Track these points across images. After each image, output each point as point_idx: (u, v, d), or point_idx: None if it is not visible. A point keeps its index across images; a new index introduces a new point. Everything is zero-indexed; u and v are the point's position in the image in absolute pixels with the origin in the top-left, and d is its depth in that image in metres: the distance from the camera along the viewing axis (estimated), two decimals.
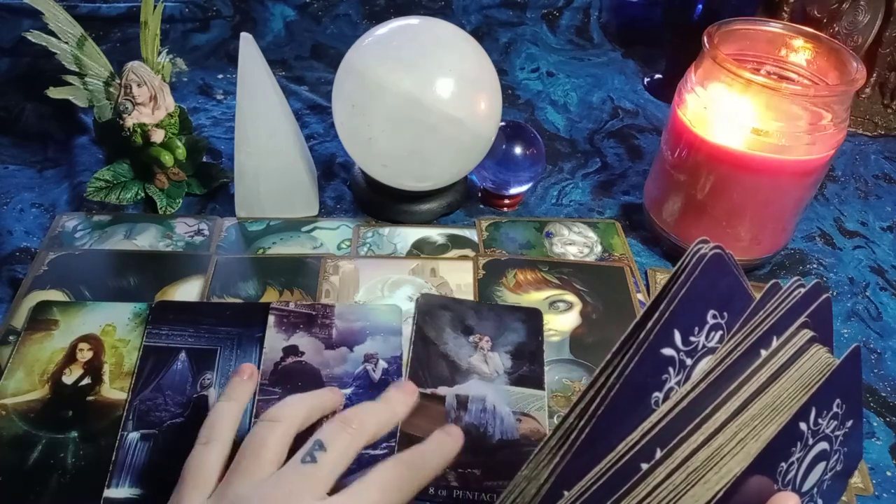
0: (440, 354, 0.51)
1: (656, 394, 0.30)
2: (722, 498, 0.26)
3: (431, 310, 0.54)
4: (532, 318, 0.55)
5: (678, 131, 0.57)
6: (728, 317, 0.32)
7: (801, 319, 0.31)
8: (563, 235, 0.64)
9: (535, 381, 0.50)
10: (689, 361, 0.31)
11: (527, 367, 0.51)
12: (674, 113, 0.58)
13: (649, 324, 0.29)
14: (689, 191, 0.58)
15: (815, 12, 0.79)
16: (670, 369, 0.30)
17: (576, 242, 0.63)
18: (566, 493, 0.28)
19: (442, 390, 0.49)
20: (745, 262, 0.60)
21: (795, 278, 0.32)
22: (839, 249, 0.66)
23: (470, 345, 0.52)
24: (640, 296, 0.58)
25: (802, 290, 0.31)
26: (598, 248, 0.63)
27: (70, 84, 0.61)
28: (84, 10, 0.76)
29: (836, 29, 0.79)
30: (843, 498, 0.46)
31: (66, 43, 0.60)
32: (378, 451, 0.45)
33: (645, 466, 0.27)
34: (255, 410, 0.47)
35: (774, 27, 0.58)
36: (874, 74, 0.81)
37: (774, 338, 0.30)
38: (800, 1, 0.80)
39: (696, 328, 0.31)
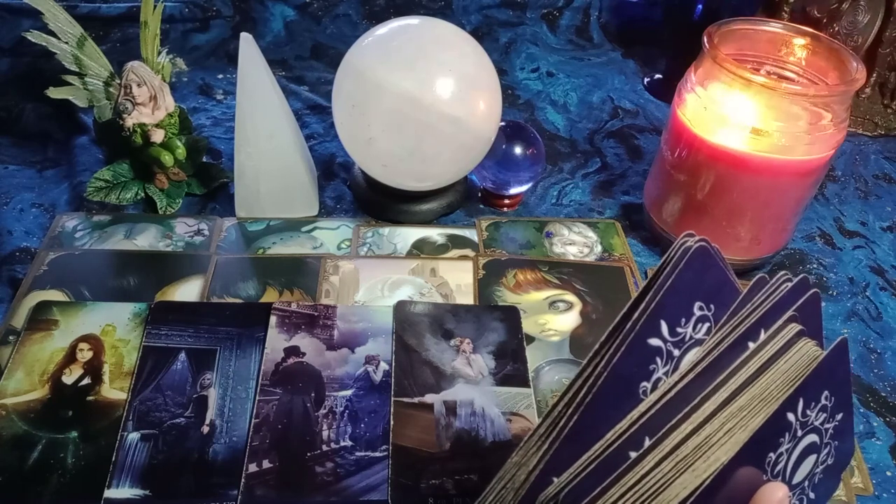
0: (423, 362, 0.51)
1: (644, 383, 0.30)
2: (711, 487, 0.26)
3: (409, 317, 0.54)
4: (510, 315, 0.55)
5: (678, 131, 0.57)
6: (715, 309, 0.32)
7: (789, 313, 0.31)
8: (563, 235, 0.64)
9: (521, 380, 0.50)
10: (676, 352, 0.31)
11: (510, 365, 0.51)
12: (674, 113, 0.58)
13: (636, 314, 0.29)
14: (689, 191, 0.58)
15: (815, 12, 0.79)
16: (658, 360, 0.30)
17: (576, 242, 0.63)
18: (555, 479, 0.28)
19: (429, 398, 0.49)
20: (745, 262, 0.60)
21: (782, 272, 0.32)
22: (839, 249, 0.66)
23: (452, 349, 0.52)
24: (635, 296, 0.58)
25: (789, 285, 0.31)
26: (598, 248, 0.63)
27: (70, 84, 0.61)
28: (84, 10, 0.76)
29: (836, 29, 0.79)
30: (844, 498, 0.46)
31: (66, 43, 0.60)
32: (377, 454, 0.45)
33: (634, 455, 0.27)
34: (255, 410, 0.47)
35: (774, 27, 0.58)
36: (874, 74, 0.81)
37: (762, 331, 0.30)
38: (800, 1, 0.80)
39: (683, 319, 0.31)
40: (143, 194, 0.64)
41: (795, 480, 0.32)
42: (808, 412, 0.30)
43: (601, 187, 0.71)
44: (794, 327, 0.31)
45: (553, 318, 0.55)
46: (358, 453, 0.45)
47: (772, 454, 0.29)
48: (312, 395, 0.48)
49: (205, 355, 0.50)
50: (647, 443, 0.28)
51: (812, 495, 0.33)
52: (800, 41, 0.57)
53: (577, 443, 0.29)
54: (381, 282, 0.57)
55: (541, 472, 0.29)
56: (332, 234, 0.62)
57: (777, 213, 0.57)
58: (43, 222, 0.62)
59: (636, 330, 0.29)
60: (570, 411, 0.29)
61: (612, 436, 0.28)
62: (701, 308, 0.31)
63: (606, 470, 0.27)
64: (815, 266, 0.64)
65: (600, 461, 0.28)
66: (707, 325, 0.32)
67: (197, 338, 0.51)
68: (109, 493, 0.42)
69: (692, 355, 0.31)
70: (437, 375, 0.50)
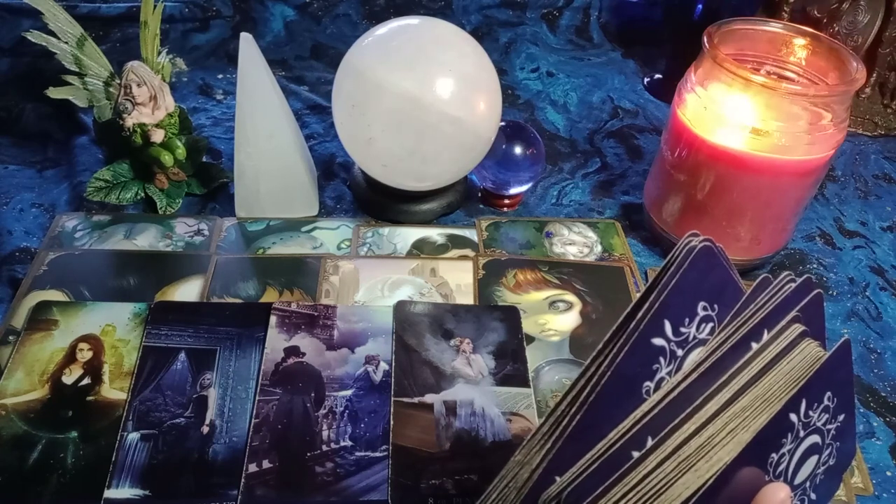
0: (423, 361, 0.51)
1: (647, 383, 0.30)
2: (712, 487, 0.26)
3: (409, 317, 0.54)
4: (510, 315, 0.55)
5: (678, 131, 0.57)
6: (719, 309, 0.32)
7: (793, 314, 0.31)
8: (563, 235, 0.64)
9: (521, 380, 0.50)
10: (679, 352, 0.31)
11: (510, 365, 0.51)
12: (674, 113, 0.58)
13: (640, 314, 0.29)
14: (689, 191, 0.58)
15: (815, 12, 0.79)
16: (661, 359, 0.30)
17: (576, 242, 0.63)
18: (558, 478, 0.28)
19: (429, 398, 0.48)
20: (745, 262, 0.60)
21: (786, 273, 0.32)
22: (839, 249, 0.66)
23: (452, 349, 0.52)
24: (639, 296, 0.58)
25: (793, 285, 0.31)
26: (598, 248, 0.63)
27: (70, 84, 0.61)
28: (84, 10, 0.76)
29: (836, 29, 0.79)
30: (844, 498, 0.46)
31: (66, 43, 0.60)
32: (377, 454, 0.45)
33: (636, 454, 0.27)
34: (255, 410, 0.47)
35: (774, 27, 0.58)
36: (874, 74, 0.81)
37: (765, 331, 0.30)
38: (800, 1, 0.80)
39: (687, 319, 0.31)
40: (143, 194, 0.64)
41: (797, 481, 0.32)
42: (811, 413, 0.30)
43: (601, 187, 0.71)
44: (798, 328, 0.31)
45: (553, 318, 0.55)
46: (358, 453, 0.45)
47: (774, 455, 0.29)
48: (312, 395, 0.48)
49: (205, 355, 0.50)
50: (650, 442, 0.28)
51: (813, 496, 0.33)
52: (800, 41, 0.57)
53: (580, 442, 0.29)
54: (381, 282, 0.57)
55: (543, 471, 0.29)
56: (332, 234, 0.62)
57: (777, 213, 0.57)
58: (43, 222, 0.62)
59: (640, 329, 0.29)
60: (573, 410, 0.29)
61: (615, 435, 0.28)
62: (704, 308, 0.31)
63: (609, 469, 0.27)
64: (814, 266, 0.64)
65: (603, 460, 0.28)
66: (710, 325, 0.32)
67: (197, 338, 0.51)
68: (109, 493, 0.42)
69: (695, 355, 0.31)
70: (437, 375, 0.50)
